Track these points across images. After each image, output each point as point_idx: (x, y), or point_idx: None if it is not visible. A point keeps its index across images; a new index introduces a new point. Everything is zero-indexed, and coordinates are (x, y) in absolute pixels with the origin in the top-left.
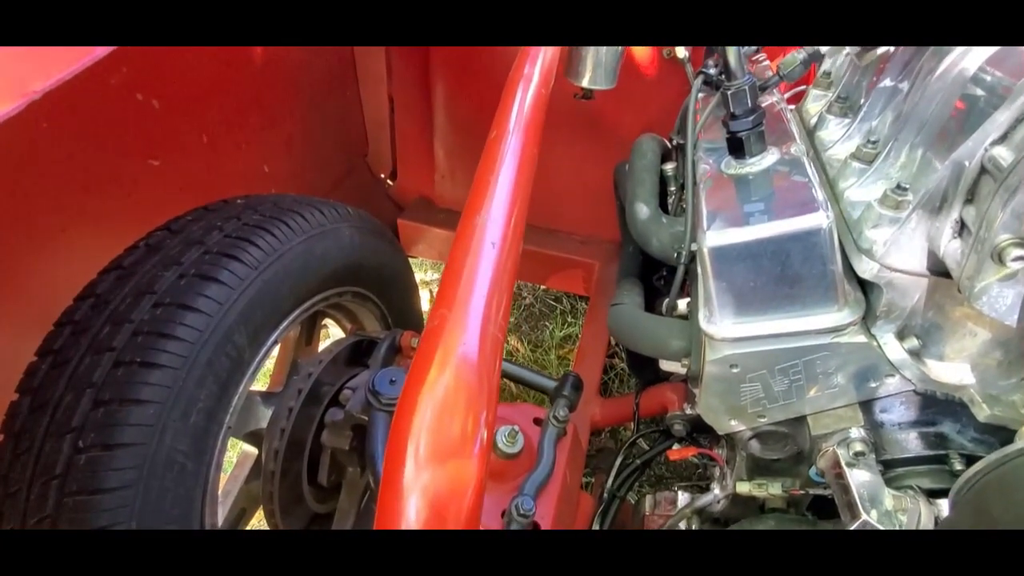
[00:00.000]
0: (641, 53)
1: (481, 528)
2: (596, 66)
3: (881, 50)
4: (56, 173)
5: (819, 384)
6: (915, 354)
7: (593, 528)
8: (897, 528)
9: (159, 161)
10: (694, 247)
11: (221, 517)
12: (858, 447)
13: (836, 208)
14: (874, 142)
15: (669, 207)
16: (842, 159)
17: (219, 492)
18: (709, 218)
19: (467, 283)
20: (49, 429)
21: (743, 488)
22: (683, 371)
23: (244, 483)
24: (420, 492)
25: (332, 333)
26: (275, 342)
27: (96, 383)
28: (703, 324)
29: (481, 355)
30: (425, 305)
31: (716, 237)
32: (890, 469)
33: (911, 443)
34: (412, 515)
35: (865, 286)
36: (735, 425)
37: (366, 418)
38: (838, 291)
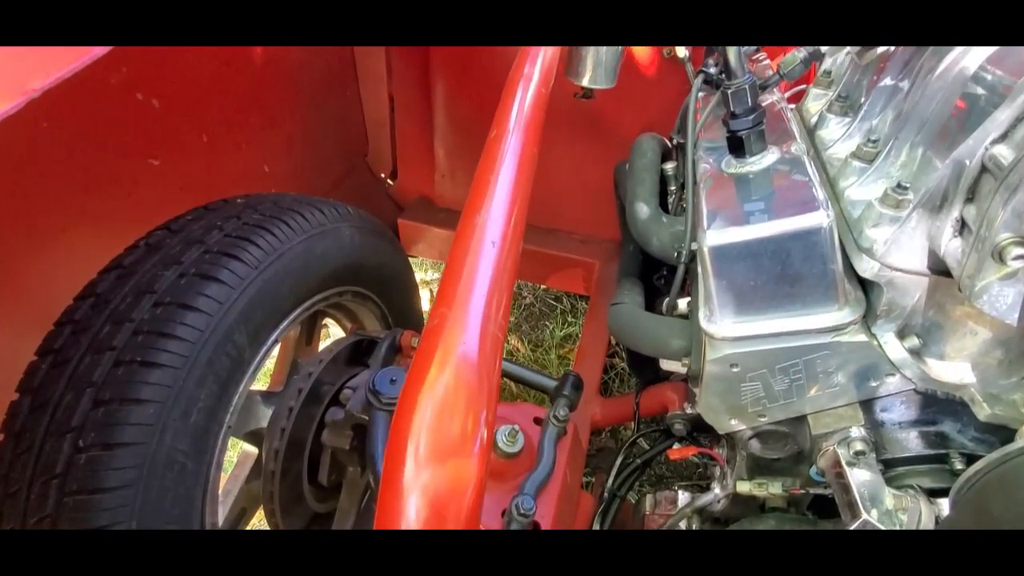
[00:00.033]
0: (641, 52)
1: (481, 527)
2: (596, 65)
3: (881, 49)
4: (56, 172)
5: (819, 383)
6: (916, 353)
7: (593, 527)
8: (897, 527)
9: (159, 161)
10: (694, 246)
11: (221, 517)
12: (858, 446)
13: (836, 207)
14: (874, 141)
15: (669, 206)
16: (842, 158)
17: (219, 491)
18: (709, 217)
19: (467, 282)
20: (49, 428)
21: (743, 487)
22: (683, 370)
23: (244, 482)
24: (420, 491)
25: (332, 332)
26: (275, 341)
27: (96, 382)
28: (703, 323)
29: (481, 354)
30: (425, 304)
31: (716, 236)
32: (891, 468)
33: (912, 442)
34: (412, 514)
35: (865, 285)
36: (735, 424)
37: (366, 417)
38: (838, 290)
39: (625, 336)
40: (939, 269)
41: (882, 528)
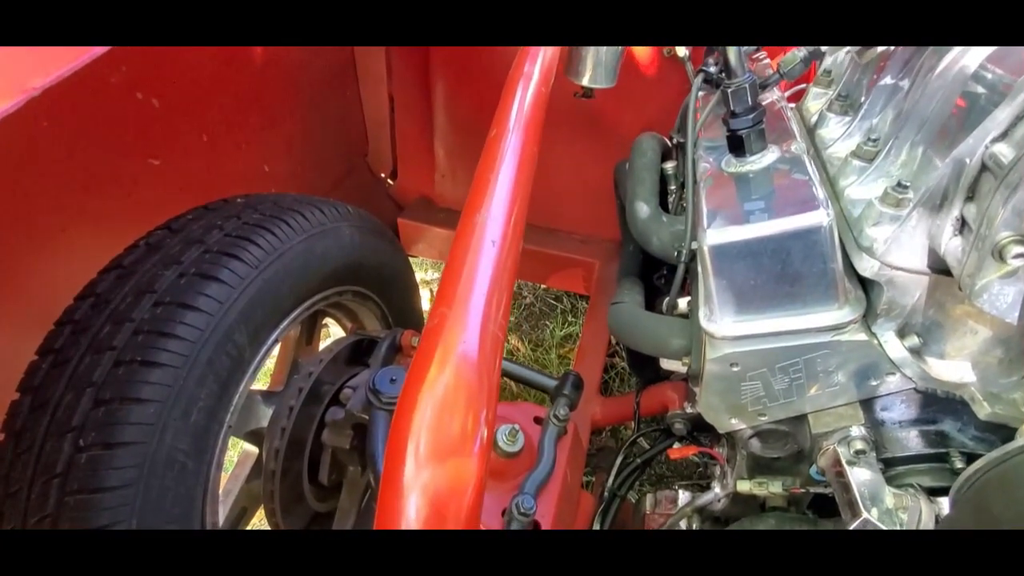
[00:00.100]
0: (641, 52)
1: (481, 527)
2: (596, 65)
3: (881, 48)
4: (56, 172)
5: (820, 382)
6: (916, 352)
7: (594, 527)
8: (898, 526)
9: (159, 160)
10: (694, 245)
11: (222, 516)
12: (859, 445)
13: (836, 206)
14: (875, 140)
15: (669, 206)
16: (842, 157)
17: (220, 491)
18: (709, 216)
19: (467, 282)
20: (50, 428)
21: (744, 487)
22: (683, 370)
23: (245, 482)
24: (420, 491)
25: (332, 332)
26: (276, 341)
27: (97, 382)
28: (703, 322)
29: (481, 353)
30: (425, 304)
31: (716, 235)
32: (891, 467)
33: (912, 441)
34: (412, 514)
35: (866, 284)
36: (736, 423)
37: (367, 417)
38: (838, 289)
39: (625, 335)
40: (939, 268)
41: (882, 527)
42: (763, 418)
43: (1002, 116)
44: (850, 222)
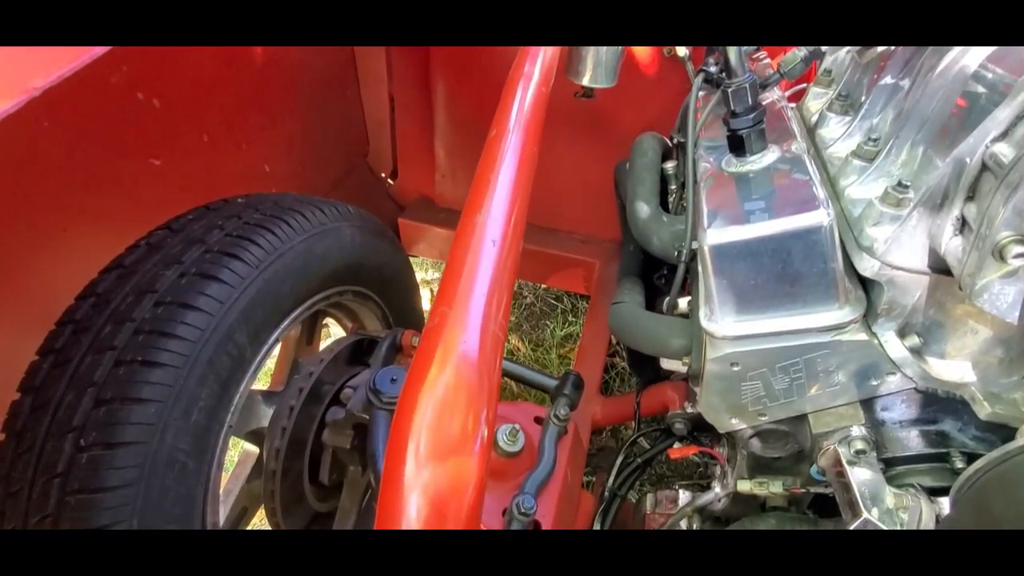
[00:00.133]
0: (641, 51)
1: (482, 527)
2: (596, 65)
3: (882, 48)
4: (57, 172)
5: (820, 382)
6: (916, 352)
7: (594, 527)
8: (898, 526)
9: (160, 160)
10: (695, 245)
11: (222, 516)
12: (859, 445)
13: (837, 206)
14: (875, 140)
15: (670, 205)
16: (843, 157)
17: (220, 491)
18: (710, 216)
19: (467, 281)
20: (51, 428)
21: (744, 486)
22: (684, 369)
23: (245, 482)
24: (421, 490)
25: (333, 332)
26: (276, 341)
27: (97, 382)
28: (704, 322)
29: (482, 353)
30: (426, 304)
31: (717, 235)
32: (891, 467)
33: (912, 441)
34: (413, 513)
35: (866, 284)
36: (736, 423)
37: (367, 417)
38: (839, 289)
39: (626, 335)
40: (940, 267)
41: (883, 527)
42: (763, 418)
43: (1002, 116)
44: (850, 222)
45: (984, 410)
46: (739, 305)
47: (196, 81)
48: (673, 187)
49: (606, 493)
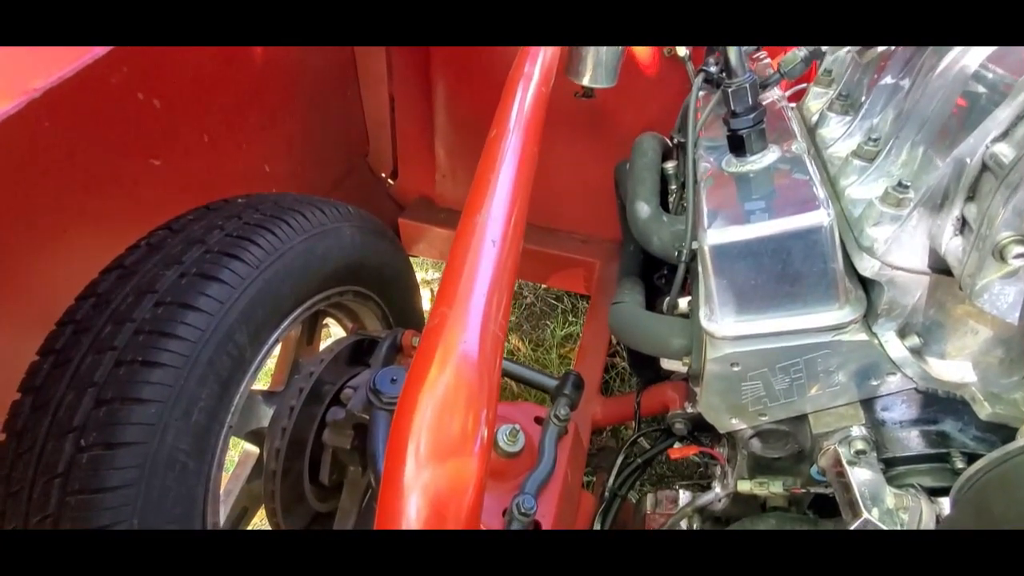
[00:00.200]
0: (642, 51)
1: (482, 527)
2: (597, 65)
3: (882, 48)
4: (57, 172)
5: (820, 382)
6: (916, 352)
7: (594, 527)
8: (898, 526)
9: (160, 160)
10: (695, 245)
11: (223, 516)
12: (859, 445)
13: (837, 206)
14: (875, 140)
15: (670, 205)
16: (843, 157)
17: (221, 491)
18: (710, 216)
19: (467, 281)
20: (51, 428)
21: (744, 487)
22: (684, 369)
23: (246, 482)
24: (421, 490)
25: (333, 332)
26: (276, 341)
27: (98, 382)
28: (704, 322)
29: (482, 353)
30: (426, 304)
31: (717, 235)
32: (891, 467)
33: (912, 441)
34: (413, 513)
35: (866, 284)
36: (736, 423)
37: (367, 417)
38: (839, 289)
39: (626, 335)
40: (940, 268)
41: (883, 527)
42: (764, 418)
43: (1003, 116)
44: (851, 222)
45: (984, 410)
46: (739, 305)
47: (196, 81)
48: (673, 187)
49: (606, 493)
